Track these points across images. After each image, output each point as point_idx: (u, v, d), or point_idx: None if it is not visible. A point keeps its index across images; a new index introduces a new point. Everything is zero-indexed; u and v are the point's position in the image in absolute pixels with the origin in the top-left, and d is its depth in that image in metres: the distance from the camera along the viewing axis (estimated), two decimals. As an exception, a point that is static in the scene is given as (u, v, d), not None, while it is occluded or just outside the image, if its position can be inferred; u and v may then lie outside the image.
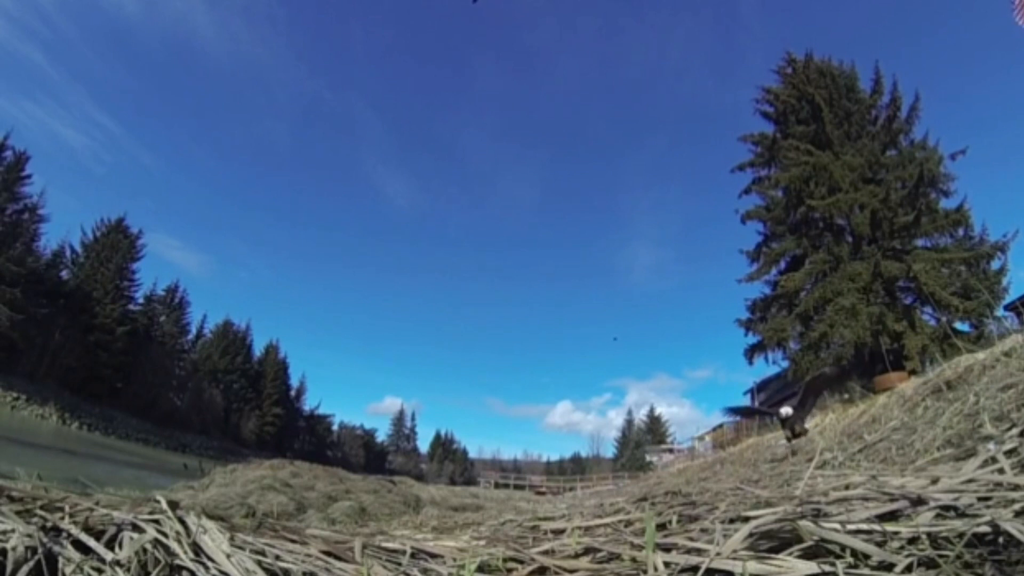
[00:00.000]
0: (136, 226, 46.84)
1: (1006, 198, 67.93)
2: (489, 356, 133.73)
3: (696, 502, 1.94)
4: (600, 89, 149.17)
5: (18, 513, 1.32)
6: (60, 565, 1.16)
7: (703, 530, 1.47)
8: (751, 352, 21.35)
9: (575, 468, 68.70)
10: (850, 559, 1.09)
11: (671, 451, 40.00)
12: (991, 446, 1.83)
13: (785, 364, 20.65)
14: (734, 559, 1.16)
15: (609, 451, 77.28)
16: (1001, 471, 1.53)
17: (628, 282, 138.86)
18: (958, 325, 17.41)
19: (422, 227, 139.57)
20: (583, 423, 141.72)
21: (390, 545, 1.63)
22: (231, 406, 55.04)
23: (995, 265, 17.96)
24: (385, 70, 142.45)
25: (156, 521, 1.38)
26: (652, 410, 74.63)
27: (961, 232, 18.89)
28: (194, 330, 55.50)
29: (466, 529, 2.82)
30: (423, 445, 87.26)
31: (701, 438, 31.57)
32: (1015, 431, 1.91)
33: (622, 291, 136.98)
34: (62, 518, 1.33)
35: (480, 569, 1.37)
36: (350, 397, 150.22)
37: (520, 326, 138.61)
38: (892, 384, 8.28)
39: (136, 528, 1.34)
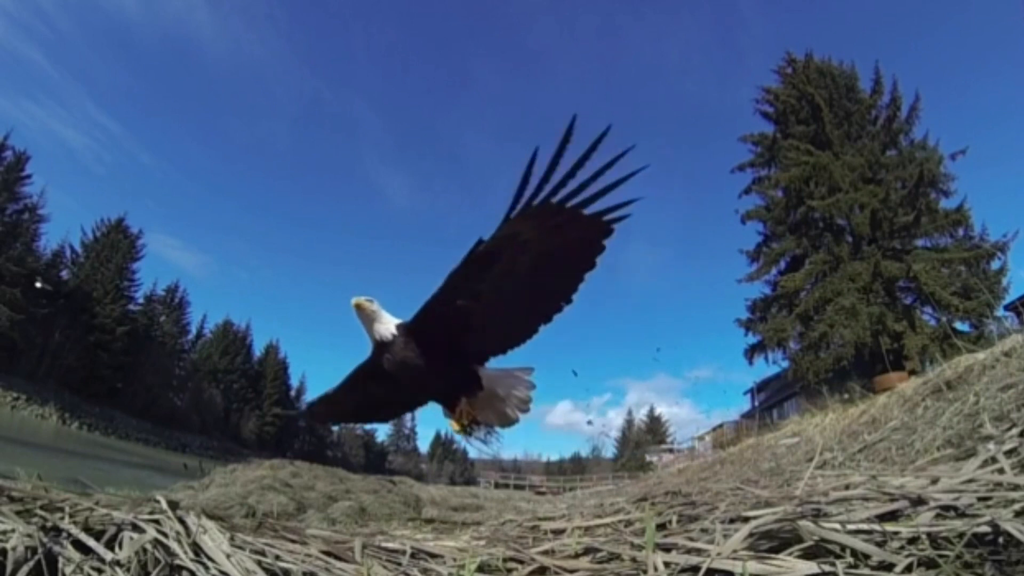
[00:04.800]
0: (136, 226, 46.97)
1: (1006, 198, 67.92)
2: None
3: (696, 502, 1.94)
4: (600, 89, 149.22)
5: (18, 513, 1.32)
6: (60, 565, 1.16)
7: (703, 530, 1.47)
8: (751, 352, 21.39)
9: (575, 468, 68.71)
10: (850, 559, 1.09)
11: (671, 451, 39.98)
12: (991, 446, 1.83)
13: (785, 364, 20.69)
14: (734, 559, 1.16)
15: (609, 451, 77.33)
16: (1001, 471, 1.53)
17: (628, 282, 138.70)
18: (958, 325, 17.45)
19: (422, 227, 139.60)
20: (583, 423, 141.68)
21: (390, 545, 1.63)
22: (231, 406, 55.04)
23: (995, 265, 18.02)
24: (385, 70, 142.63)
25: (156, 521, 1.38)
26: (652, 410, 74.67)
27: (961, 232, 18.94)
28: (194, 330, 55.58)
29: (466, 529, 2.82)
30: (423, 445, 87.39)
31: (701, 438, 31.55)
32: (1015, 431, 1.91)
33: (622, 291, 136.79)
34: (62, 518, 1.33)
35: (480, 569, 1.37)
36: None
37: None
38: (892, 384, 8.25)
39: (136, 528, 1.34)
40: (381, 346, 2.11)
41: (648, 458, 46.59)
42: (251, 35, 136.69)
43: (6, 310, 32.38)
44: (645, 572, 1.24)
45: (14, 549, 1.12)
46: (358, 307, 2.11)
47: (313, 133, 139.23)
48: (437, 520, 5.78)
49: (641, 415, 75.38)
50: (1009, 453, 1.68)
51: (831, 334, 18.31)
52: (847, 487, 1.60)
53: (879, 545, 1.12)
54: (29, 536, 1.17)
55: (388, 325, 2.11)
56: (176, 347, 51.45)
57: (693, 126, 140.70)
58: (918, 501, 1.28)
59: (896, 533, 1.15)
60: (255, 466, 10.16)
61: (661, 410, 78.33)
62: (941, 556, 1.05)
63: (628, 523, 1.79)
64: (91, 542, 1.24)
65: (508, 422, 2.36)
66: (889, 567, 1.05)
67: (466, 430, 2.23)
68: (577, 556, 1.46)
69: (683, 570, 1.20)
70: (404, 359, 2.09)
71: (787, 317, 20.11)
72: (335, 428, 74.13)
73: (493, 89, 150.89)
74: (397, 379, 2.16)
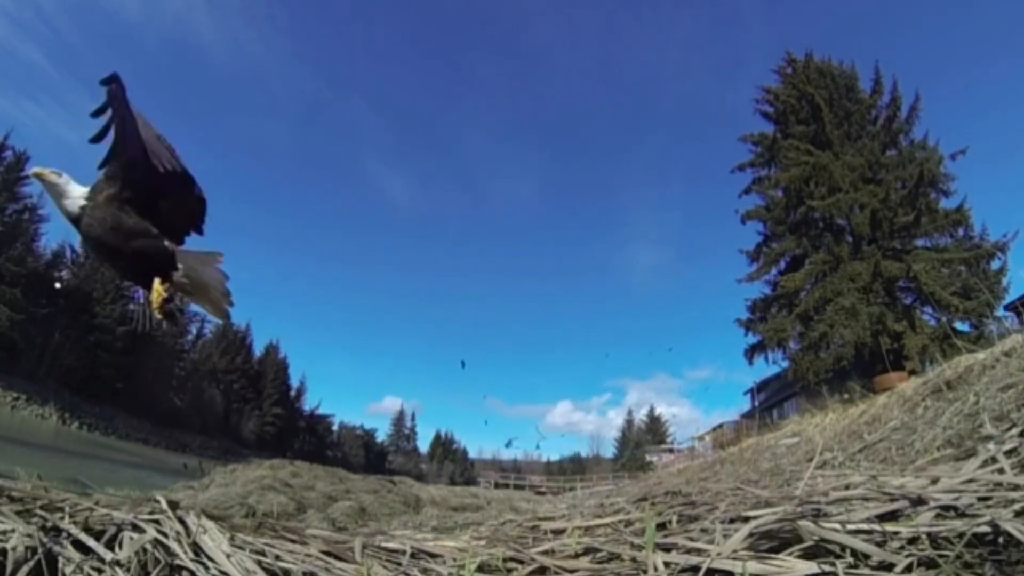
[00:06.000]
0: (136, 226, 46.86)
1: (1006, 198, 67.96)
2: (489, 356, 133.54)
3: (696, 502, 1.94)
4: (600, 88, 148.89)
5: (18, 513, 1.32)
6: (60, 565, 1.16)
7: (703, 530, 1.48)
8: (751, 352, 21.39)
9: (575, 468, 68.70)
10: (850, 559, 1.09)
11: (671, 451, 40.02)
12: (991, 446, 1.83)
13: (785, 364, 20.69)
14: (734, 559, 1.17)
15: (609, 451, 77.36)
16: (1001, 471, 1.53)
17: (628, 281, 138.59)
18: (958, 325, 17.46)
19: (422, 226, 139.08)
20: (583, 423, 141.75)
21: (390, 545, 1.63)
22: (231, 406, 55.04)
23: (995, 265, 18.02)
24: (385, 70, 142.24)
25: (156, 521, 1.38)
26: (652, 410, 74.73)
27: (961, 232, 18.94)
28: (194, 330, 55.51)
29: (466, 529, 2.82)
30: (423, 445, 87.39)
31: (701, 438, 31.59)
32: (1015, 431, 1.91)
33: (622, 290, 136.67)
34: (62, 518, 1.33)
35: (480, 569, 1.37)
36: (350, 397, 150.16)
37: (520, 325, 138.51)
38: (892, 384, 8.26)
39: (136, 528, 1.34)
40: (72, 222, 1.92)
41: (648, 458, 46.62)
42: (251, 35, 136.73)
43: (6, 310, 32.39)
44: (645, 572, 1.24)
45: (14, 549, 1.12)
46: (39, 177, 1.88)
47: (313, 132, 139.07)
48: (437, 520, 5.79)
49: (641, 415, 75.49)
50: (1009, 453, 1.68)
51: (831, 334, 18.31)
52: (847, 487, 1.61)
53: (879, 545, 1.12)
54: (29, 536, 1.17)
55: (77, 199, 1.89)
56: (176, 347, 51.44)
57: (693, 126, 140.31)
58: (918, 501, 1.28)
59: (896, 533, 1.15)
60: (255, 466, 10.17)
61: (661, 410, 78.46)
62: (941, 556, 1.05)
63: (628, 523, 1.80)
64: (91, 542, 1.25)
65: (221, 313, 2.23)
66: (889, 567, 1.05)
67: (162, 311, 2.02)
68: (577, 556, 1.46)
69: (683, 570, 1.20)
70: (86, 234, 1.89)
71: (787, 317, 20.11)
72: (335, 428, 74.17)
73: (493, 88, 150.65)
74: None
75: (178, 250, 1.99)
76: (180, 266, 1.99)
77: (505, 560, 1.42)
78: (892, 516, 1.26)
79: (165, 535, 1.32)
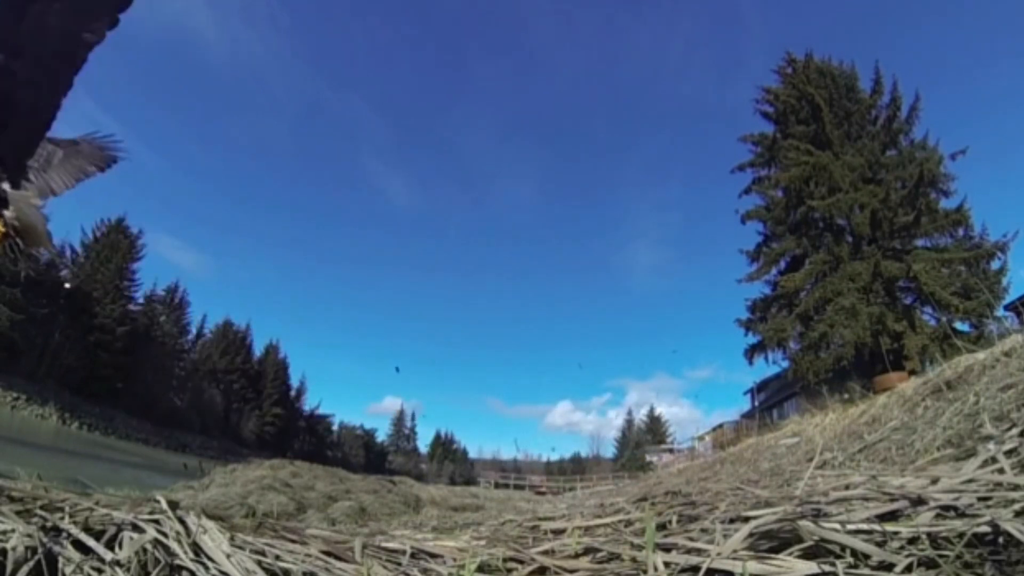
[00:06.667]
0: (136, 226, 46.76)
1: (1006, 198, 68.00)
2: (489, 356, 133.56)
3: (696, 502, 1.94)
4: (600, 87, 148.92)
5: (18, 513, 1.32)
6: (60, 565, 1.16)
7: (703, 530, 1.48)
8: (751, 352, 21.38)
9: (575, 468, 68.69)
10: (850, 559, 1.09)
11: (671, 451, 40.05)
12: (991, 446, 1.83)
13: (785, 364, 20.68)
14: (734, 559, 1.17)
15: (609, 451, 77.40)
16: (1001, 471, 1.53)
17: (629, 281, 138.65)
18: (958, 325, 17.43)
19: (422, 226, 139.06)
20: (583, 423, 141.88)
21: (390, 545, 1.63)
22: (231, 406, 55.04)
23: (995, 265, 17.99)
24: (385, 70, 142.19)
25: (156, 521, 1.38)
26: (652, 410, 74.77)
27: (961, 232, 18.92)
28: (194, 330, 55.51)
29: (466, 529, 2.82)
30: (423, 445, 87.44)
31: (701, 438, 31.62)
32: (1015, 431, 1.91)
33: (623, 290, 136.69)
34: (62, 518, 1.33)
35: (480, 569, 1.37)
36: (350, 397, 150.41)
37: (520, 325, 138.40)
38: (892, 384, 8.26)
39: (136, 528, 1.34)
40: None
41: (648, 458, 46.64)
42: (251, 34, 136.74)
43: (6, 310, 32.38)
44: (645, 572, 1.24)
45: (14, 549, 1.12)
46: None
47: (313, 132, 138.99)
48: (437, 520, 5.79)
49: (641, 415, 75.54)
50: (1009, 453, 1.68)
51: (831, 334, 18.30)
52: (847, 487, 1.61)
53: (879, 545, 1.12)
54: (29, 536, 1.17)
55: None
56: (176, 347, 51.44)
57: (693, 126, 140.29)
58: (918, 501, 1.28)
59: (896, 533, 1.15)
60: (255, 466, 10.17)
61: (661, 410, 78.64)
62: (941, 556, 1.06)
63: (628, 523, 1.80)
64: (91, 542, 1.25)
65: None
66: (889, 567, 1.05)
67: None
68: (577, 556, 1.46)
69: (683, 570, 1.20)
70: None
71: (787, 317, 20.10)
72: (335, 428, 74.17)
73: (493, 87, 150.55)
74: None
75: (9, 191, 1.98)
76: (11, 207, 1.98)
77: (505, 560, 1.42)
78: (892, 516, 1.26)
79: (165, 535, 1.32)
